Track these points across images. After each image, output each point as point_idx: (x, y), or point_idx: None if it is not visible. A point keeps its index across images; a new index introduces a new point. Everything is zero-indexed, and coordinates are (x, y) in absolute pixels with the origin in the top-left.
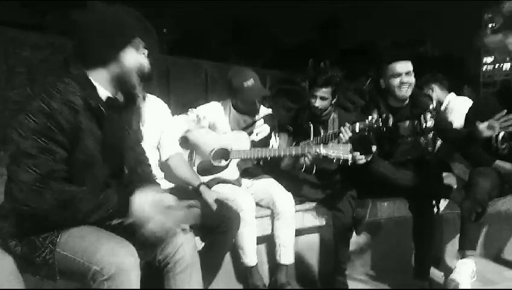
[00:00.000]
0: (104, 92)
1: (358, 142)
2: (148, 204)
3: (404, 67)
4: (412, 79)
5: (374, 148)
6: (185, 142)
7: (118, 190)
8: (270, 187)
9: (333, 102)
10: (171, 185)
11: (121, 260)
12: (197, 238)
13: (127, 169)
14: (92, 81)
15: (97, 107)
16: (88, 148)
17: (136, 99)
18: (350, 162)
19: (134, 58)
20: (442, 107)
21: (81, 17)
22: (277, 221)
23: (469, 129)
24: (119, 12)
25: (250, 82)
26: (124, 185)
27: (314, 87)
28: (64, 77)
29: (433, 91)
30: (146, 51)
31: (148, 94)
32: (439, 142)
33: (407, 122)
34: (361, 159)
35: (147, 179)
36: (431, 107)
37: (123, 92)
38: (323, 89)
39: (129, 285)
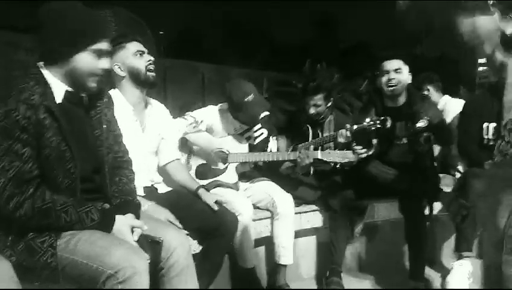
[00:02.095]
0: (63, 87)
1: (358, 137)
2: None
3: (392, 64)
4: (401, 76)
5: (374, 141)
6: (183, 144)
7: (102, 202)
8: (269, 188)
9: (328, 105)
10: (169, 188)
11: (134, 263)
12: (195, 241)
13: (107, 166)
14: (51, 77)
15: (53, 102)
16: (53, 143)
17: (101, 98)
18: (347, 167)
19: (89, 63)
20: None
21: (44, 14)
22: (277, 221)
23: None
24: (85, 15)
25: (250, 97)
26: (108, 198)
27: (306, 95)
28: (25, 78)
29: (428, 92)
30: (148, 57)
31: (151, 99)
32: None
33: (402, 123)
34: (363, 153)
35: (126, 194)
36: (426, 106)
37: (82, 93)
38: (315, 97)
39: (141, 287)
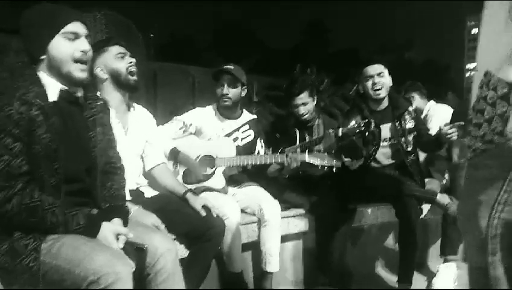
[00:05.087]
0: (57, 85)
1: (347, 149)
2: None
3: (374, 69)
4: (384, 80)
5: (364, 152)
6: (173, 153)
7: (90, 206)
8: (256, 194)
9: (315, 103)
10: (156, 192)
11: (117, 269)
12: (182, 246)
13: (99, 168)
14: (46, 77)
15: (47, 101)
16: (43, 140)
17: (96, 99)
18: (335, 169)
19: (65, 46)
20: (423, 114)
21: (22, 16)
22: (263, 228)
23: (436, 134)
24: (49, 6)
25: (230, 66)
26: (98, 201)
27: (292, 97)
28: (19, 77)
29: (414, 99)
30: (129, 59)
31: (134, 103)
32: None
33: (389, 124)
34: (353, 164)
35: (117, 200)
36: (410, 108)
37: (71, 85)
38: (301, 95)
39: None
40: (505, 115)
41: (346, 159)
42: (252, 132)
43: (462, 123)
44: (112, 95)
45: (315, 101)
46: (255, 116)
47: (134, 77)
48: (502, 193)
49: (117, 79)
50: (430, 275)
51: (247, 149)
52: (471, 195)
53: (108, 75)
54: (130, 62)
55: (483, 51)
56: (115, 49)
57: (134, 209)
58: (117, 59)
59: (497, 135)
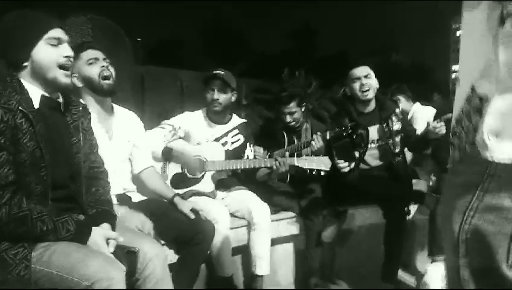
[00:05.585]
0: (38, 92)
1: (340, 151)
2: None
3: (361, 71)
4: (371, 81)
5: (356, 154)
6: (165, 154)
7: (76, 212)
8: (246, 198)
9: (303, 110)
10: (144, 197)
11: (110, 275)
12: (172, 251)
13: (83, 174)
14: (27, 83)
15: (31, 108)
16: (29, 148)
17: (77, 105)
18: (323, 173)
19: (49, 52)
20: (408, 116)
21: (1, 23)
22: (253, 232)
23: (423, 131)
24: (30, 13)
25: (220, 71)
26: (84, 206)
27: (280, 105)
28: (1, 85)
29: (399, 102)
30: (101, 63)
31: (119, 107)
32: None
33: (377, 126)
34: (345, 166)
35: (103, 205)
36: (397, 110)
37: (56, 91)
38: (289, 105)
39: None
40: (476, 126)
41: (339, 161)
42: (241, 137)
43: (450, 115)
44: (91, 102)
45: (303, 109)
46: (244, 121)
47: (109, 81)
48: (473, 200)
49: (91, 85)
50: (418, 276)
51: (237, 153)
52: (448, 199)
53: (82, 82)
54: (103, 66)
55: (464, 62)
56: (86, 55)
57: (121, 211)
58: (89, 65)
59: (470, 146)
